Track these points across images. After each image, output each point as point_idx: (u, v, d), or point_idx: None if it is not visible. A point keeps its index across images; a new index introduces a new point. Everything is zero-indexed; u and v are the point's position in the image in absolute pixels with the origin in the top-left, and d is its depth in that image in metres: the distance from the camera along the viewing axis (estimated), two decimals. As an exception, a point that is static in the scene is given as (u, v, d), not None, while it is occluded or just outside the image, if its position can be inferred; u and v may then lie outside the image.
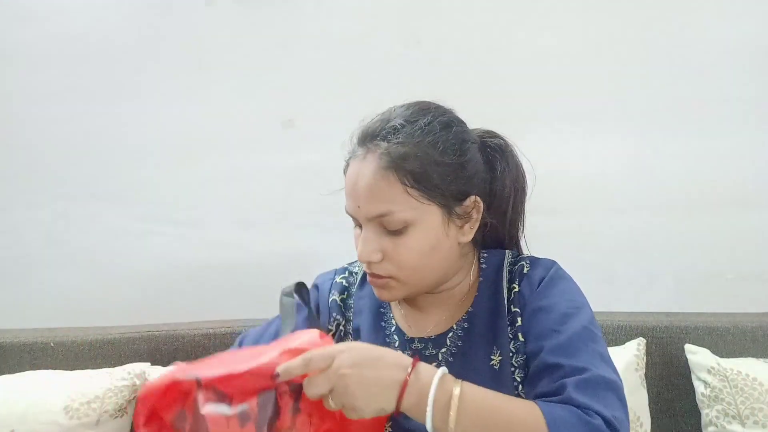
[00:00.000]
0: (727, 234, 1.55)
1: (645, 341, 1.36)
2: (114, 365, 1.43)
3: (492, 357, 0.80)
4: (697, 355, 1.32)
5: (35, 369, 1.44)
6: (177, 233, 1.69)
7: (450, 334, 0.84)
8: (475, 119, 0.87)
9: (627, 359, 1.30)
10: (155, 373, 1.39)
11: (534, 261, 0.86)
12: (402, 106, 0.83)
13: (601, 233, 1.56)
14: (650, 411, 1.31)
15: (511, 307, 0.81)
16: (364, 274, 0.91)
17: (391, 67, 1.59)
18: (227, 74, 1.65)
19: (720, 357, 1.31)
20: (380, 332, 0.87)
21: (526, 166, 0.90)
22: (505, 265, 0.87)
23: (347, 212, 0.81)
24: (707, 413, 1.28)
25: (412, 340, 0.85)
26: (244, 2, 1.64)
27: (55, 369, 1.44)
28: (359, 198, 0.77)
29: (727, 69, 1.53)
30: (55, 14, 1.66)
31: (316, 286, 0.95)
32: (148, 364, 1.44)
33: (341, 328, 0.90)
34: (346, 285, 0.93)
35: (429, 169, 0.76)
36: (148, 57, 1.66)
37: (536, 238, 1.46)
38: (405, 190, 0.75)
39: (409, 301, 0.88)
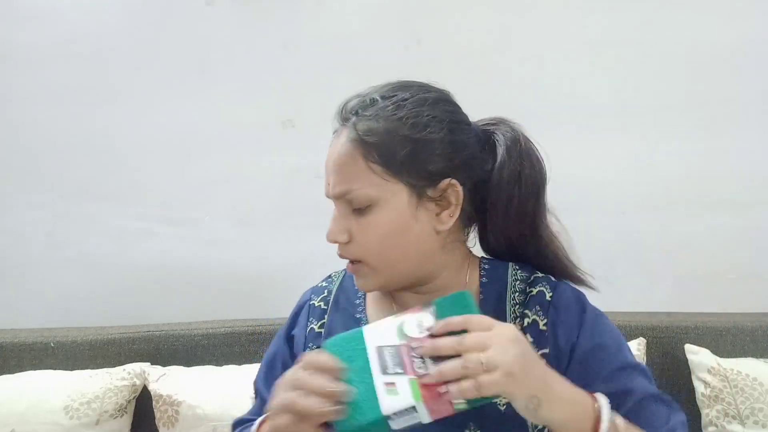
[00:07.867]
0: (727, 234, 1.55)
1: (645, 341, 1.36)
2: (114, 365, 1.43)
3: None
4: (697, 355, 1.32)
5: (35, 369, 1.44)
6: (176, 233, 1.68)
7: None
8: (474, 119, 0.87)
9: (627, 359, 1.30)
10: (155, 373, 1.39)
11: (554, 286, 0.78)
12: (386, 83, 0.78)
13: (601, 233, 1.56)
14: (650, 411, 1.31)
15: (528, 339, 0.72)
16: (343, 276, 0.88)
17: (391, 67, 1.58)
18: (227, 74, 1.65)
19: (720, 357, 1.31)
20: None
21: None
22: (509, 283, 0.79)
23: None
24: (707, 413, 1.28)
25: None
26: (244, 2, 1.64)
27: (55, 369, 1.44)
28: (329, 175, 0.75)
29: (727, 69, 1.53)
30: (55, 15, 1.66)
31: (298, 307, 0.89)
32: (148, 364, 1.44)
33: None
34: (324, 307, 0.85)
35: (394, 145, 0.71)
36: (148, 57, 1.66)
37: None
38: (368, 165, 0.72)
39: (396, 301, 0.81)
